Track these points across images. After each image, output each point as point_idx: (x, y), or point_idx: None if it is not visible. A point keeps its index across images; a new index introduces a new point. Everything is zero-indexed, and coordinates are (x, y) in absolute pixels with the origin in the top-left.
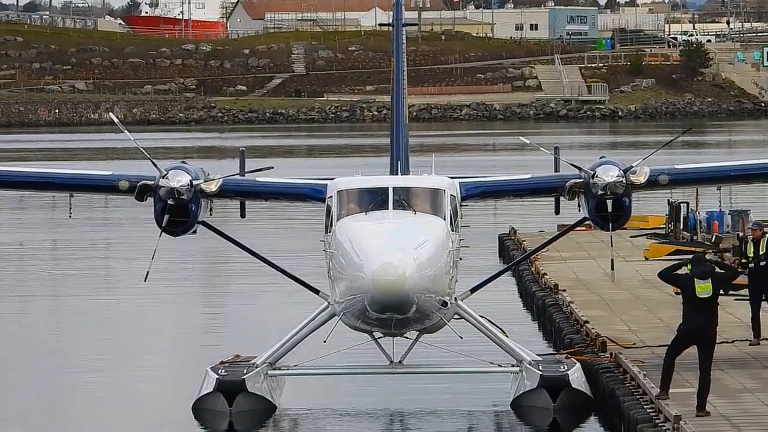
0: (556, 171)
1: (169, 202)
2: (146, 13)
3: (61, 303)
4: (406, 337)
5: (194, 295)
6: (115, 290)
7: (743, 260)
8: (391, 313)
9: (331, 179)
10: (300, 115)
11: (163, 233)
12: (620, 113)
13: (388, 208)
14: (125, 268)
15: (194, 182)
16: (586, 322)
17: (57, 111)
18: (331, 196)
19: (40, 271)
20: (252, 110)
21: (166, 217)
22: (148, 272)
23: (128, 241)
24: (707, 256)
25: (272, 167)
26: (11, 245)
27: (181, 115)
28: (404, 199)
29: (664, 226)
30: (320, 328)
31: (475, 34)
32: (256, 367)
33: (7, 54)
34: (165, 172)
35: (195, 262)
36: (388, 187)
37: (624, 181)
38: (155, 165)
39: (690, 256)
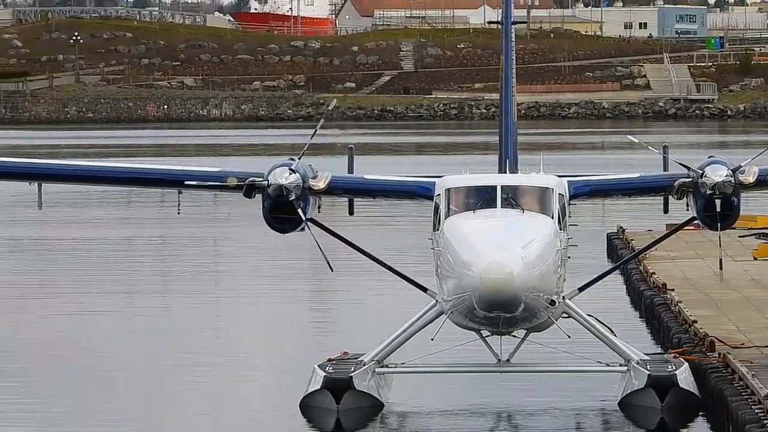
0: (664, 170)
1: (277, 199)
2: (255, 9)
3: (169, 299)
4: (514, 336)
5: (302, 292)
6: (222, 287)
7: None
8: (499, 312)
9: (440, 177)
10: (408, 113)
11: (272, 230)
12: (729, 112)
13: (496, 207)
14: (233, 265)
15: (304, 179)
16: (695, 321)
17: (165, 107)
18: (440, 194)
19: (149, 267)
20: (360, 107)
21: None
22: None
23: (236, 237)
24: None
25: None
26: (120, 241)
27: (290, 111)
28: (512, 198)
29: None
30: (428, 326)
31: (583, 33)
32: (364, 365)
33: (117, 50)
34: (273, 170)
35: (303, 259)
36: (496, 186)
37: (733, 181)
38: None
39: None
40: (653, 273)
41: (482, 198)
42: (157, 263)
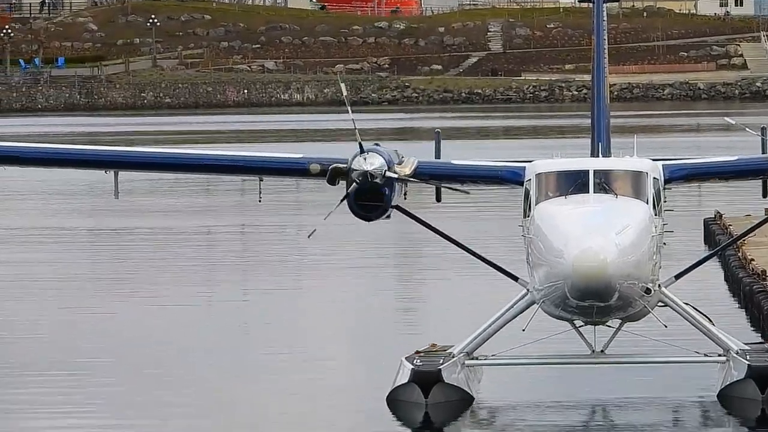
0: (763, 153)
1: (362, 185)
2: None
3: (250, 290)
4: (608, 326)
5: (388, 282)
6: (305, 278)
7: None
8: (593, 301)
9: (530, 162)
10: (497, 95)
11: (356, 217)
12: None
13: (588, 192)
14: (316, 254)
15: (389, 165)
16: None
17: (245, 91)
18: (530, 180)
19: (229, 257)
20: (447, 90)
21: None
22: (314, 230)
23: (319, 226)
24: None
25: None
26: (198, 230)
27: (374, 95)
28: (605, 183)
29: None
30: (519, 316)
31: (677, 11)
32: (453, 357)
33: (195, 33)
34: (357, 155)
35: (389, 247)
36: (588, 170)
37: None
38: (361, 145)
39: None
40: (752, 259)
41: (574, 183)
42: (238, 253)
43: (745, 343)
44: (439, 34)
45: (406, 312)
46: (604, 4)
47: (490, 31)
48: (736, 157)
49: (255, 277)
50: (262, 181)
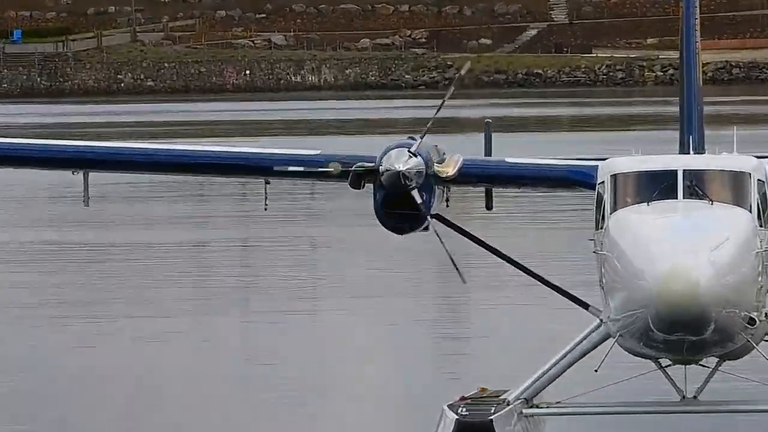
0: None
1: (394, 189)
2: None
3: (257, 319)
4: (702, 365)
5: (427, 308)
6: (322, 303)
7: None
8: (683, 334)
9: (604, 160)
10: (561, 77)
11: (386, 229)
12: None
13: (677, 197)
14: (335, 275)
15: (428, 164)
16: None
17: (247, 72)
18: (603, 182)
19: (228, 278)
20: (499, 70)
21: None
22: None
23: (339, 239)
24: None
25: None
26: (189, 246)
27: (408, 77)
28: (698, 186)
29: None
30: (590, 353)
31: None
32: (508, 405)
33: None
34: (387, 152)
35: (426, 265)
36: (677, 170)
37: None
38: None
39: None
40: None
41: (659, 186)
42: (238, 274)
43: None
44: (489, 0)
45: (449, 347)
46: None
47: None
48: None
49: (262, 303)
50: (268, 184)
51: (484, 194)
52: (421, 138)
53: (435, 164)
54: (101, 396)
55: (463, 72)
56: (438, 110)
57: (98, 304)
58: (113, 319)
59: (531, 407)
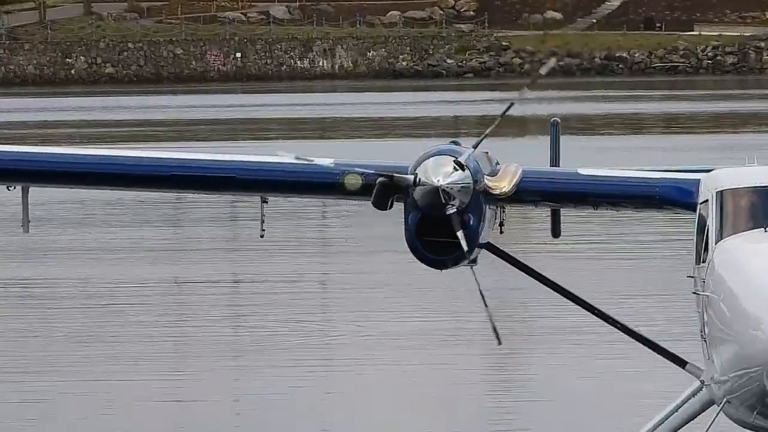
0: None
1: (431, 210)
2: None
3: (249, 404)
4: None
5: (473, 359)
6: (334, 353)
7: None
8: None
9: (707, 172)
10: (652, 61)
11: (421, 262)
12: None
13: None
14: (354, 320)
15: (475, 177)
16: None
17: (238, 56)
18: (707, 201)
19: (215, 328)
20: (572, 53)
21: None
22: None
23: (357, 274)
24: None
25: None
26: (160, 285)
27: (450, 61)
28: None
29: None
30: (688, 424)
31: None
32: None
33: None
34: (423, 161)
35: (468, 303)
36: None
37: None
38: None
39: None
40: None
41: None
42: (230, 321)
43: None
44: None
45: (510, 412)
46: None
47: None
48: None
49: (260, 365)
50: (265, 203)
51: (549, 217)
52: (474, 147)
53: (485, 177)
54: None
55: (544, 71)
56: (504, 113)
57: (32, 374)
58: (48, 397)
59: None
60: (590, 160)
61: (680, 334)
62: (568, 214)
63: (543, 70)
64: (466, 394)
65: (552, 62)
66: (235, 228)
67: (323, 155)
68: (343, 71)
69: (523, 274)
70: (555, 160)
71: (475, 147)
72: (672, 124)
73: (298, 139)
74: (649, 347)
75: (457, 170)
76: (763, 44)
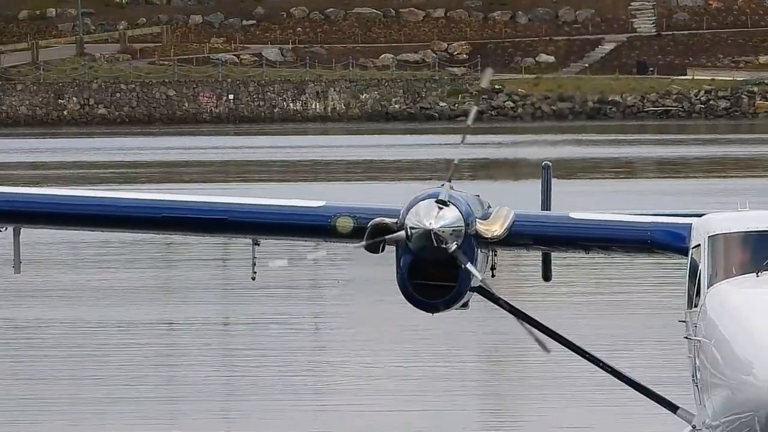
0: None
1: (424, 254)
2: None
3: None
4: None
5: (465, 403)
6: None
7: None
8: None
9: (699, 216)
10: (645, 105)
11: (413, 306)
12: None
13: None
14: (344, 368)
15: (467, 220)
16: None
17: (231, 97)
18: (698, 245)
19: (205, 373)
20: (563, 97)
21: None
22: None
23: (348, 319)
24: None
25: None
26: (152, 328)
27: (443, 104)
28: None
29: None
30: None
31: None
32: None
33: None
34: (415, 204)
35: (462, 347)
36: None
37: None
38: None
39: None
40: None
41: None
42: (220, 367)
43: None
44: (552, 5)
45: None
46: None
47: (635, 2)
48: None
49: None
50: (257, 245)
51: (540, 260)
52: (447, 182)
53: (477, 221)
54: None
55: (469, 121)
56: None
57: (19, 412)
58: None
59: None
60: (582, 204)
61: (671, 378)
62: (559, 258)
63: (483, 83)
64: None
65: (489, 72)
66: (226, 270)
67: (315, 198)
68: (336, 113)
69: (514, 318)
70: (546, 204)
71: (448, 181)
72: (664, 168)
73: (290, 181)
74: (641, 392)
75: (447, 212)
76: (755, 89)
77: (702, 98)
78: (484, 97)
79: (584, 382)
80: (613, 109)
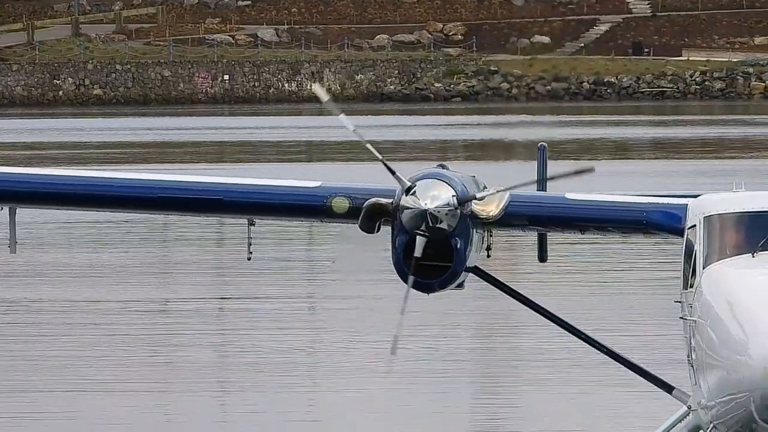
0: None
1: (420, 234)
2: None
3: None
4: None
5: (461, 393)
6: (328, 383)
7: None
8: None
9: (695, 197)
10: (640, 86)
11: (412, 287)
12: None
13: None
14: (340, 350)
15: (461, 200)
16: None
17: (226, 78)
18: (694, 225)
19: (201, 355)
20: (558, 78)
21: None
22: (394, 345)
23: (343, 299)
24: None
25: (593, 168)
26: (147, 307)
27: (438, 85)
28: None
29: None
30: None
31: None
32: None
33: None
34: (411, 184)
35: (461, 329)
36: None
37: None
38: (392, 172)
39: None
40: None
41: (767, 232)
42: (217, 343)
43: None
44: None
45: (485, 431)
46: None
47: None
48: None
49: (249, 395)
50: (252, 225)
51: (536, 241)
52: (441, 166)
53: (473, 201)
54: None
55: (323, 101)
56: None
57: (16, 393)
58: (33, 417)
59: None
60: (577, 184)
61: (668, 360)
62: (555, 238)
63: (323, 98)
64: (453, 420)
65: (323, 92)
66: (221, 250)
67: (310, 178)
68: (331, 94)
69: (509, 298)
70: (542, 185)
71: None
72: (660, 148)
73: (286, 161)
74: (636, 372)
75: (442, 193)
76: (751, 70)
77: (697, 79)
78: (479, 77)
79: (579, 361)
80: (608, 90)
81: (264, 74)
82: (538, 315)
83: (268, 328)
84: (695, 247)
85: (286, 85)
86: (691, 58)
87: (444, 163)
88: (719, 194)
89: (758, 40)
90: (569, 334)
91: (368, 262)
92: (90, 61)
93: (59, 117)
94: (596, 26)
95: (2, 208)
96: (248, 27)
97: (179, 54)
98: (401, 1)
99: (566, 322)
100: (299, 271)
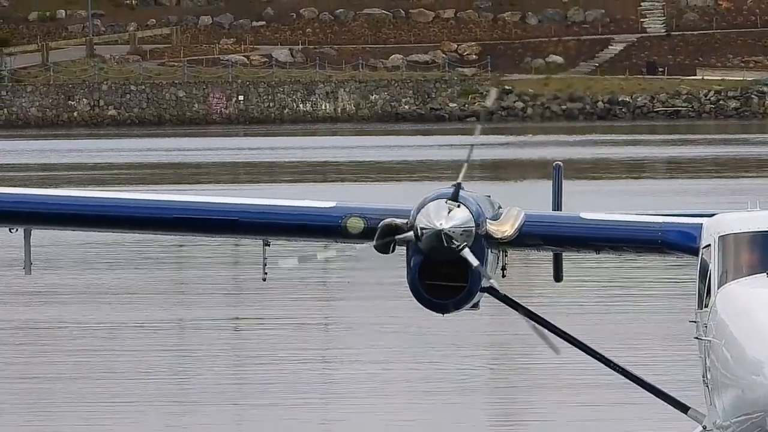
0: None
1: (434, 254)
2: None
3: None
4: None
5: (477, 412)
6: (334, 404)
7: None
8: None
9: (710, 216)
10: (654, 105)
11: (423, 306)
12: None
13: None
14: (356, 368)
15: (478, 221)
16: None
17: (240, 98)
18: (709, 245)
19: (215, 376)
20: (573, 97)
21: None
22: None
23: (358, 321)
24: None
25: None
26: (162, 327)
27: (453, 105)
28: None
29: None
30: None
31: None
32: None
33: (157, 1)
34: (425, 204)
35: (471, 348)
36: None
37: None
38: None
39: None
40: None
41: None
42: (232, 363)
43: None
44: (562, 4)
45: None
46: None
47: (645, 2)
48: None
49: (262, 416)
50: (267, 246)
51: (551, 261)
52: (457, 187)
53: (488, 221)
54: None
55: (489, 102)
56: (470, 155)
57: (32, 414)
58: None
59: None
60: (592, 204)
61: (683, 381)
62: (570, 258)
63: (488, 102)
64: None
65: (494, 93)
66: (236, 270)
67: (325, 199)
68: (346, 114)
69: (525, 318)
70: (557, 204)
71: (456, 186)
72: (674, 168)
73: (301, 182)
74: (651, 392)
75: (458, 213)
76: (766, 89)
77: (712, 98)
78: (494, 97)
79: (594, 381)
80: (623, 110)
81: (279, 94)
82: (554, 335)
83: (285, 348)
84: (710, 267)
85: (301, 105)
86: (705, 78)
87: (459, 182)
88: (734, 214)
89: None
90: (585, 354)
91: (383, 282)
92: (104, 82)
93: (74, 138)
94: (610, 46)
95: (17, 230)
96: (263, 47)
97: (194, 75)
98: (416, 21)
99: (582, 343)
100: (314, 291)
